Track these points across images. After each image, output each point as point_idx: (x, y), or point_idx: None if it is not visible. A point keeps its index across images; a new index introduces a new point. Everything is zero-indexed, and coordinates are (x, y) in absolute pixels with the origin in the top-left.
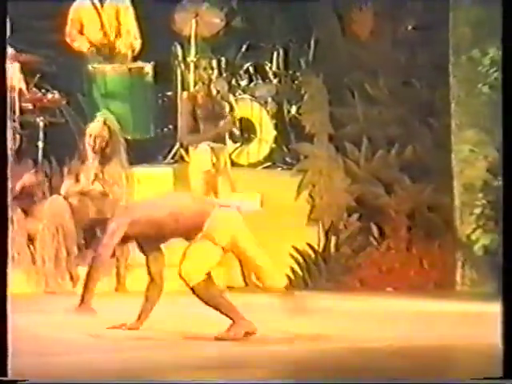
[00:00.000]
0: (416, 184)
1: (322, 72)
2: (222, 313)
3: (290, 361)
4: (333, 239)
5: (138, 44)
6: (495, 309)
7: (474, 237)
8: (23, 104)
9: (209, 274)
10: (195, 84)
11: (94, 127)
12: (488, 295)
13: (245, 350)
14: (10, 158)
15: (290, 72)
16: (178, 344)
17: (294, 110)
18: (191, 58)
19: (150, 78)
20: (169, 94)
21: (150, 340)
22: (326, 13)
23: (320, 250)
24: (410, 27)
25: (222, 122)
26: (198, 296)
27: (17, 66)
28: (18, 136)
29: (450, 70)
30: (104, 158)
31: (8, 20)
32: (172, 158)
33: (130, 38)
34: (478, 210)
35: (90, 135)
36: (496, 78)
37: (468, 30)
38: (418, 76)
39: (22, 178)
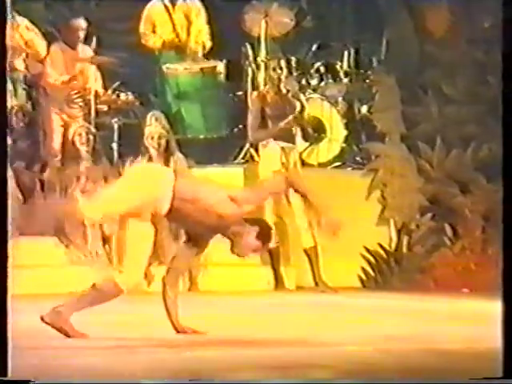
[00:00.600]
0: (492, 184)
1: (395, 71)
2: None
3: (359, 361)
4: (405, 239)
5: (208, 44)
6: None
7: None
8: (98, 106)
9: None
10: (265, 83)
11: (153, 127)
12: None
13: (310, 350)
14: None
15: (362, 71)
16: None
17: (364, 109)
18: (261, 57)
19: (221, 77)
20: (239, 93)
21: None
22: (398, 10)
23: (392, 250)
24: (486, 24)
25: (286, 119)
26: None
27: (93, 68)
28: (91, 137)
29: None
30: (166, 156)
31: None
32: (242, 158)
33: (201, 38)
34: None
35: (153, 137)
36: None
37: None
38: (494, 74)
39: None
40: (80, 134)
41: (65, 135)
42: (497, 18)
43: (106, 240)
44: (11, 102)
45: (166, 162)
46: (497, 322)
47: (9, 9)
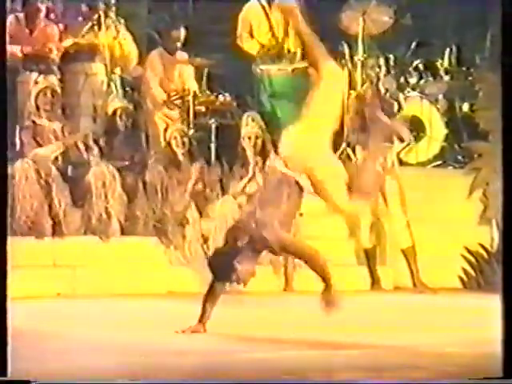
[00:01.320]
0: None
1: (499, 67)
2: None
3: (457, 363)
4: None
5: (302, 45)
6: None
7: None
8: (197, 107)
9: None
10: (363, 83)
11: (250, 128)
12: None
13: (408, 351)
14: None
15: (464, 68)
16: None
17: (466, 107)
18: (359, 56)
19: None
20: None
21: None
22: (504, 6)
23: (493, 251)
24: None
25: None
26: None
27: (191, 69)
28: (186, 140)
29: None
30: (263, 157)
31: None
32: (339, 157)
33: (298, 39)
34: None
35: (250, 137)
36: None
37: None
38: None
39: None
40: (175, 138)
41: (164, 137)
42: None
43: (205, 240)
44: (114, 104)
45: (262, 162)
46: None
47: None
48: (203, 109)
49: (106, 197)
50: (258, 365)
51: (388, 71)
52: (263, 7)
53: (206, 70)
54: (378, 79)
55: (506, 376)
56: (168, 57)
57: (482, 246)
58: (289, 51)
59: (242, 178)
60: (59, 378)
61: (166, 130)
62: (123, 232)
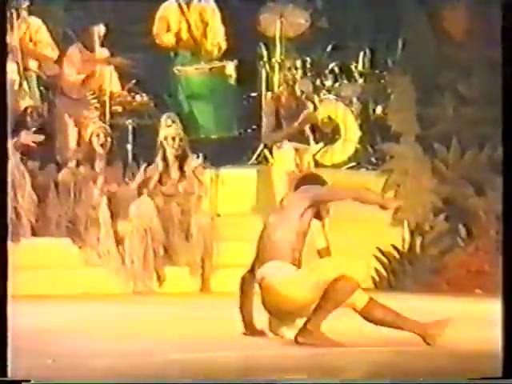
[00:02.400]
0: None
1: (410, 71)
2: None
3: (366, 361)
4: (418, 240)
5: (224, 45)
6: None
7: None
8: (113, 107)
9: None
10: (280, 84)
11: (171, 129)
12: None
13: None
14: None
15: (377, 71)
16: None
17: (379, 109)
18: (276, 58)
19: (232, 78)
20: (253, 94)
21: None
22: (415, 11)
23: (405, 251)
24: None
25: (300, 118)
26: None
27: (110, 69)
28: (109, 139)
29: None
30: (182, 157)
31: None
32: (256, 159)
33: (216, 39)
34: None
35: (173, 138)
36: None
37: None
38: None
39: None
40: (98, 135)
41: (80, 136)
42: None
43: (119, 241)
44: (26, 102)
45: (182, 164)
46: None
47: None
48: (120, 109)
49: (15, 197)
50: (173, 365)
51: (305, 73)
52: (181, 7)
53: (124, 70)
54: (295, 81)
55: (505, 376)
56: (87, 54)
57: (394, 247)
58: (206, 51)
59: (160, 179)
60: None
61: (85, 128)
62: (34, 233)
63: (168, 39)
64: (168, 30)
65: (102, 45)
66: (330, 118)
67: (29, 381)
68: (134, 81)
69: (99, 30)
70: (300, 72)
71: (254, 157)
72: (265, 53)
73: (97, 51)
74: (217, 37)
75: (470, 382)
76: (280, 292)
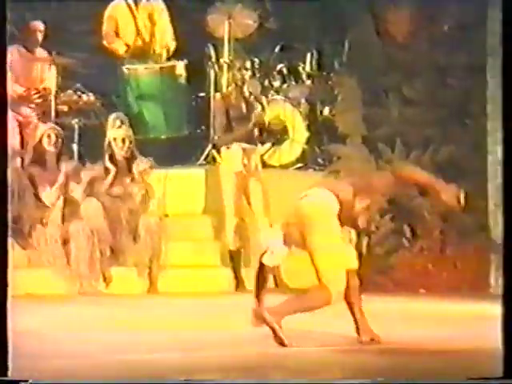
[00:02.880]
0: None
1: (356, 73)
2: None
3: (307, 361)
4: (364, 240)
5: (172, 45)
6: None
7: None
8: (59, 106)
9: None
10: (228, 85)
11: (120, 130)
12: None
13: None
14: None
15: (324, 73)
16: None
17: (326, 110)
18: (224, 59)
19: (182, 78)
20: (202, 94)
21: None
22: (360, 13)
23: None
24: (447, 27)
25: (250, 121)
26: None
27: (53, 68)
28: (60, 139)
29: (487, 70)
30: (131, 159)
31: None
32: (204, 159)
33: (165, 39)
34: None
35: (123, 139)
36: None
37: None
38: (455, 76)
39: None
40: (49, 136)
41: (22, 136)
42: (457, 20)
43: (65, 241)
44: None
45: (130, 165)
46: (453, 322)
47: None
48: (66, 108)
49: None
50: (118, 366)
51: (253, 74)
52: (129, 7)
53: (69, 69)
54: (244, 82)
55: (506, 376)
56: (27, 54)
57: None
58: (154, 51)
59: (105, 179)
60: None
61: (35, 128)
62: None
63: (117, 46)
64: (117, 33)
65: (45, 44)
66: (278, 118)
67: (29, 381)
68: (79, 80)
69: (39, 27)
70: (249, 73)
71: (203, 157)
72: (213, 53)
73: (38, 51)
74: (165, 37)
75: (470, 382)
76: None
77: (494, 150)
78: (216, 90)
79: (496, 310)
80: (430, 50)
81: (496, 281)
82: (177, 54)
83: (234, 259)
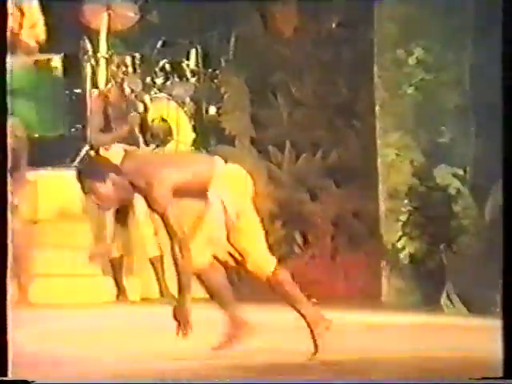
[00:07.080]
0: (341, 189)
1: (244, 71)
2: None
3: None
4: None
5: (42, 36)
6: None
7: (399, 245)
8: None
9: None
10: (107, 81)
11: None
12: (413, 305)
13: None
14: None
15: (210, 70)
16: None
17: (213, 110)
18: (102, 53)
19: (58, 72)
20: (78, 91)
21: None
22: (247, 8)
23: (241, 259)
24: (334, 25)
25: (129, 120)
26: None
27: None
28: None
29: (375, 70)
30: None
31: None
32: (81, 160)
33: (35, 31)
34: (403, 217)
35: None
36: (422, 78)
37: (393, 29)
38: (342, 76)
39: None
40: None
41: None
42: (344, 18)
43: None
44: None
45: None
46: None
47: None
48: None
49: None
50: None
51: (134, 70)
52: None
53: None
54: (124, 78)
55: (506, 376)
56: None
57: (231, 255)
58: (25, 44)
59: None
60: None
61: None
62: None
63: None
64: None
65: None
66: (161, 118)
67: (29, 381)
68: None
69: None
70: (129, 69)
71: (79, 158)
72: (89, 47)
73: None
74: (35, 28)
75: (470, 381)
76: None
77: (383, 153)
78: (94, 87)
79: (388, 318)
80: (316, 47)
81: (388, 288)
82: (50, 47)
83: (116, 267)
